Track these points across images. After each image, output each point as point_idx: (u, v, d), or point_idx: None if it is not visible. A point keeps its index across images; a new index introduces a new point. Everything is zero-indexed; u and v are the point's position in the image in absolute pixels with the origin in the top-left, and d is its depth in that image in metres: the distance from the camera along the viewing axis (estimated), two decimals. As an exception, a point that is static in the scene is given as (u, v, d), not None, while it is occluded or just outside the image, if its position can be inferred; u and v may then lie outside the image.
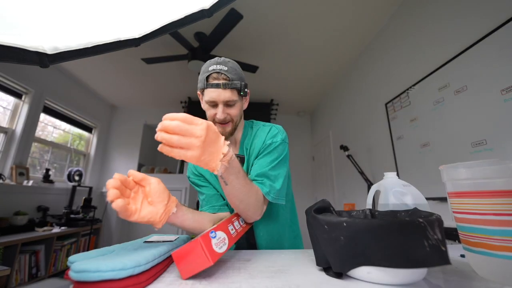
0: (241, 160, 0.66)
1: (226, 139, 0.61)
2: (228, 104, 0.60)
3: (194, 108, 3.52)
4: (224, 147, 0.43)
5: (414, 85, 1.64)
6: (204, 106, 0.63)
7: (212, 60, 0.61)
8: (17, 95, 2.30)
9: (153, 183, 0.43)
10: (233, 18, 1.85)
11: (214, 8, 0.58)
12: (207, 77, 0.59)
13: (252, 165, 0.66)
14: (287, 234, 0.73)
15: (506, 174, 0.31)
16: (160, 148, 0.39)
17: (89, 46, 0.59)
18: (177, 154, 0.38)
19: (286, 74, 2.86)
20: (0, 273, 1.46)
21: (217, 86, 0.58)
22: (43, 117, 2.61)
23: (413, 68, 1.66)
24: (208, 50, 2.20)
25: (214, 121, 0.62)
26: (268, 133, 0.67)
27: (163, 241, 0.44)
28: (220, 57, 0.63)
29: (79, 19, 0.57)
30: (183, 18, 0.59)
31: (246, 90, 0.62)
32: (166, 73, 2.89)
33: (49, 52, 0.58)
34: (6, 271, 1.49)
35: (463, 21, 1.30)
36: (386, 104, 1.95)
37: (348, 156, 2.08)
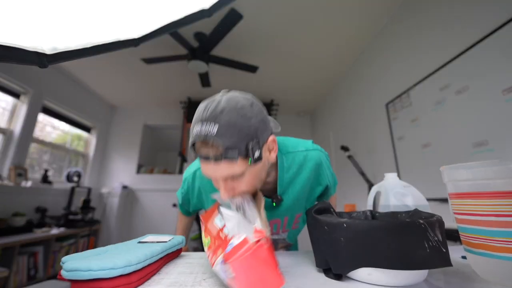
0: (278, 202, 0.53)
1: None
2: (230, 177, 0.41)
3: (194, 108, 3.52)
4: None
5: (415, 85, 1.64)
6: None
7: (200, 109, 0.41)
8: (16, 95, 2.30)
9: None
10: (233, 18, 1.85)
11: (214, 8, 0.58)
12: (193, 145, 0.41)
13: (299, 200, 0.56)
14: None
15: (507, 175, 0.31)
16: None
17: (88, 46, 0.59)
18: None
19: (286, 74, 2.86)
20: (-2, 275, 1.45)
21: (206, 159, 0.39)
22: (41, 117, 2.60)
23: (414, 68, 1.67)
24: (207, 50, 2.20)
25: None
26: (316, 168, 0.57)
27: (157, 242, 0.44)
28: (216, 96, 0.42)
29: (79, 19, 0.57)
30: (182, 18, 0.59)
31: (259, 150, 0.40)
32: (166, 73, 2.89)
33: (48, 52, 0.57)
34: (4, 273, 1.49)
35: (464, 21, 1.31)
36: (386, 105, 1.95)
37: (349, 156, 2.08)
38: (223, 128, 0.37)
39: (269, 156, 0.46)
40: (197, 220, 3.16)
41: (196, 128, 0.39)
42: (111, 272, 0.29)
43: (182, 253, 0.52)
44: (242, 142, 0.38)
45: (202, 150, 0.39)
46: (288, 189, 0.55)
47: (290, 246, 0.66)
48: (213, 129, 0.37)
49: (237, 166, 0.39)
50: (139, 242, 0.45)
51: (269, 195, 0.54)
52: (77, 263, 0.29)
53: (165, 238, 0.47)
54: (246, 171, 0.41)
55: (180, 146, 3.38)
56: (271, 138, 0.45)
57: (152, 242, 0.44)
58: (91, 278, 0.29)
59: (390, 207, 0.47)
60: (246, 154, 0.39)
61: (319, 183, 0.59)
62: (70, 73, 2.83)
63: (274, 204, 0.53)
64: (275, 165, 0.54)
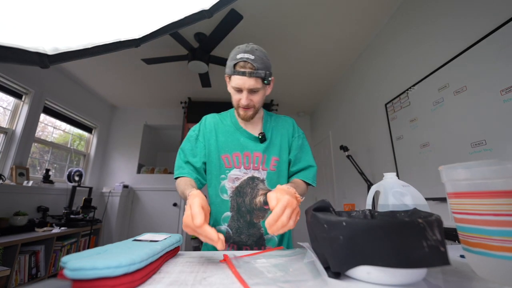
0: (263, 137, 0.74)
1: (247, 120, 0.73)
2: (252, 91, 0.66)
3: (194, 108, 3.53)
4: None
5: (413, 85, 1.64)
6: (230, 90, 0.70)
7: (241, 46, 0.66)
8: (17, 95, 2.31)
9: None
10: (233, 18, 1.85)
11: (214, 8, 0.58)
12: (235, 65, 0.64)
13: (276, 146, 0.76)
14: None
15: (505, 175, 0.31)
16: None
17: (90, 46, 0.59)
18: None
19: (286, 74, 2.87)
20: (0, 274, 1.46)
21: (243, 74, 0.63)
22: (43, 117, 2.61)
23: (413, 68, 1.67)
24: (208, 50, 2.21)
25: (238, 106, 0.70)
26: (293, 125, 0.80)
27: (156, 240, 0.44)
28: (249, 43, 0.67)
29: (80, 20, 0.57)
30: (183, 19, 0.59)
31: (270, 78, 0.66)
32: (166, 74, 2.89)
33: (50, 52, 0.58)
34: (6, 272, 1.49)
35: (462, 21, 1.31)
36: (386, 105, 1.96)
37: (348, 156, 2.08)
38: (257, 58, 0.63)
39: (269, 88, 0.72)
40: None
41: (238, 55, 0.63)
42: (116, 270, 0.29)
43: (183, 252, 0.52)
44: (264, 69, 0.64)
45: (241, 68, 0.63)
46: (271, 133, 0.77)
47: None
48: (251, 56, 0.63)
49: (258, 83, 0.65)
50: (134, 240, 0.45)
51: (259, 134, 0.75)
52: (82, 262, 0.29)
53: (162, 236, 0.48)
54: (260, 89, 0.67)
55: (181, 146, 3.38)
56: (272, 77, 0.69)
57: (147, 240, 0.44)
58: (96, 277, 0.29)
59: (389, 207, 0.47)
60: (264, 78, 0.65)
61: (294, 138, 0.78)
62: (71, 73, 2.84)
63: (260, 137, 0.74)
64: (262, 110, 0.81)
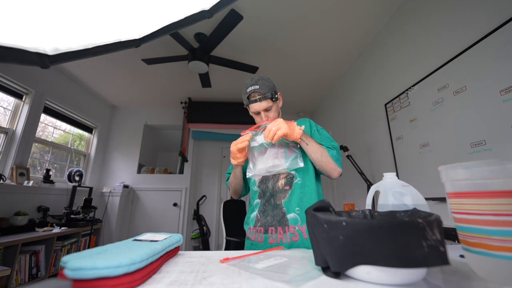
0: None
1: None
2: (266, 110, 0.84)
3: (194, 108, 3.53)
4: (297, 127, 0.75)
5: (413, 85, 1.64)
6: (252, 115, 0.89)
7: (248, 82, 0.85)
8: (18, 95, 2.31)
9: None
10: (233, 19, 1.85)
11: (214, 9, 0.58)
12: (248, 97, 0.84)
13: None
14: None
15: (505, 175, 0.31)
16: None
17: (90, 47, 0.59)
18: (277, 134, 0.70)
19: (286, 74, 2.87)
20: (0, 274, 1.46)
21: (255, 101, 0.82)
22: (43, 117, 2.61)
23: (413, 68, 1.67)
24: (208, 51, 2.21)
25: (260, 126, 0.85)
26: (309, 122, 0.92)
27: (156, 240, 0.44)
28: (253, 77, 0.85)
29: (80, 20, 0.57)
30: (183, 19, 0.59)
31: (276, 96, 0.84)
32: (167, 74, 2.89)
33: (50, 53, 0.58)
34: (6, 272, 1.50)
35: (462, 21, 1.31)
36: (385, 105, 1.96)
37: (348, 156, 2.08)
38: (261, 86, 0.82)
39: (279, 102, 0.90)
40: (198, 220, 3.17)
41: (248, 89, 0.83)
42: (116, 270, 0.29)
43: (183, 252, 0.52)
44: (269, 91, 0.82)
45: (253, 97, 0.82)
46: None
47: (292, 178, 0.82)
48: (257, 87, 0.82)
49: (269, 102, 0.83)
50: (134, 239, 0.45)
51: None
52: (82, 262, 0.29)
53: (163, 236, 0.48)
54: (272, 106, 0.84)
55: (181, 146, 3.38)
56: (279, 93, 0.88)
57: (147, 240, 0.44)
58: (97, 277, 0.29)
59: (389, 207, 0.47)
60: (271, 97, 0.82)
61: (314, 132, 0.89)
62: (72, 73, 2.84)
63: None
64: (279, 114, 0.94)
